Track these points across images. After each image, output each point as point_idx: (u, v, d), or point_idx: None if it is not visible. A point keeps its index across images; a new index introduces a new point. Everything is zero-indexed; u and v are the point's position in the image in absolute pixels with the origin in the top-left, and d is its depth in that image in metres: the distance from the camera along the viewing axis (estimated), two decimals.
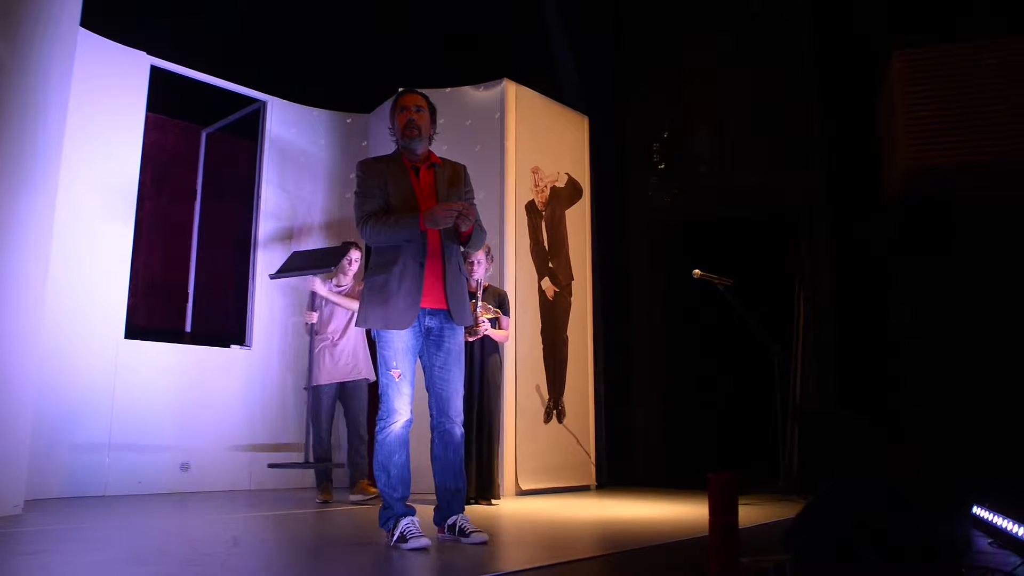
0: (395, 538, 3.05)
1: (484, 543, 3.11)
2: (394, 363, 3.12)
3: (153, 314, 6.23)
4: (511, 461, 5.56)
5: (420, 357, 3.26)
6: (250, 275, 6.16)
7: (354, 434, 5.10)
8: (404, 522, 3.06)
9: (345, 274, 5.28)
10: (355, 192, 3.27)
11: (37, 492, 4.53)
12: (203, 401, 5.70)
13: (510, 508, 4.77)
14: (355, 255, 5.31)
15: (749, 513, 4.34)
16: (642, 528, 3.87)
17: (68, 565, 2.72)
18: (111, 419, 5.21)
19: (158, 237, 6.28)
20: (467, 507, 4.64)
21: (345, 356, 5.15)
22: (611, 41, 7.54)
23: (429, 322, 3.22)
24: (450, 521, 3.22)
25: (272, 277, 5.38)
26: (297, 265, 5.28)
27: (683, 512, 4.55)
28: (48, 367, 4.64)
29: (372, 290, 3.15)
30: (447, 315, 3.22)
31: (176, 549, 3.02)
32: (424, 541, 3.00)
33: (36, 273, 4.13)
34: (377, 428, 3.17)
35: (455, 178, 3.36)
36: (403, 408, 3.15)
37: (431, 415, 3.28)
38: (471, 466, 4.84)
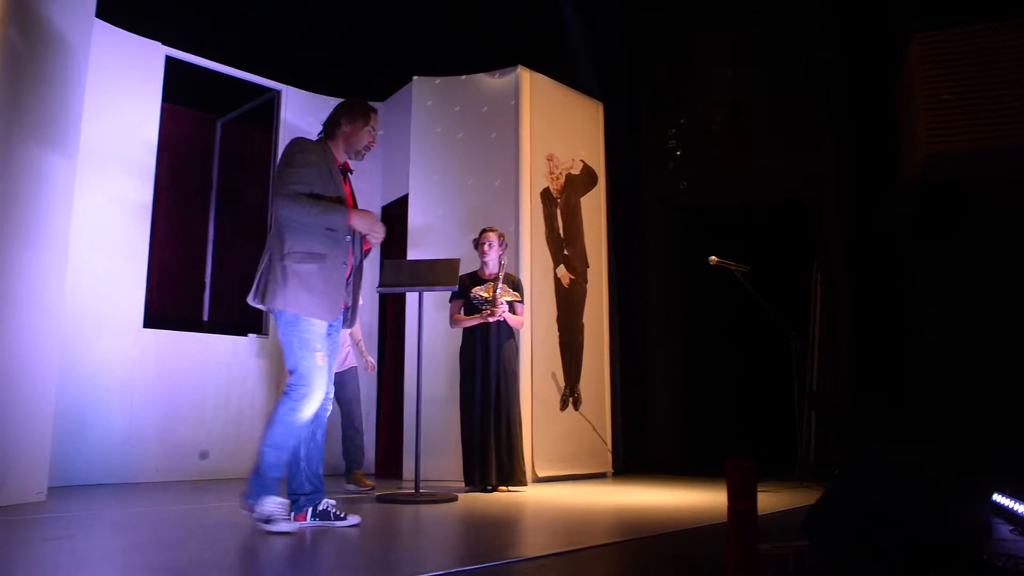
0: (260, 516, 3.02)
1: (357, 525, 3.20)
2: (318, 346, 3.20)
3: (171, 303, 6.28)
4: (528, 448, 5.57)
5: None
6: None
7: (349, 424, 4.96)
8: (274, 503, 3.05)
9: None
10: (290, 165, 3.26)
11: (59, 480, 4.59)
12: (221, 389, 5.76)
13: (527, 495, 4.78)
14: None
15: (767, 500, 4.33)
16: (659, 515, 3.87)
17: (95, 550, 2.76)
18: (131, 408, 5.27)
19: (175, 227, 6.32)
20: (490, 493, 4.71)
21: (344, 345, 4.89)
22: (626, 26, 7.50)
23: None
24: (322, 506, 3.26)
25: (379, 291, 4.90)
26: (407, 281, 4.58)
27: (700, 499, 4.55)
28: (68, 357, 4.69)
29: (297, 276, 3.22)
30: (344, 312, 3.38)
31: (198, 535, 3.05)
32: (292, 525, 3.05)
33: (55, 264, 4.17)
34: (286, 408, 3.14)
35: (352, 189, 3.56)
36: (326, 390, 3.25)
37: None
38: (491, 453, 4.85)
